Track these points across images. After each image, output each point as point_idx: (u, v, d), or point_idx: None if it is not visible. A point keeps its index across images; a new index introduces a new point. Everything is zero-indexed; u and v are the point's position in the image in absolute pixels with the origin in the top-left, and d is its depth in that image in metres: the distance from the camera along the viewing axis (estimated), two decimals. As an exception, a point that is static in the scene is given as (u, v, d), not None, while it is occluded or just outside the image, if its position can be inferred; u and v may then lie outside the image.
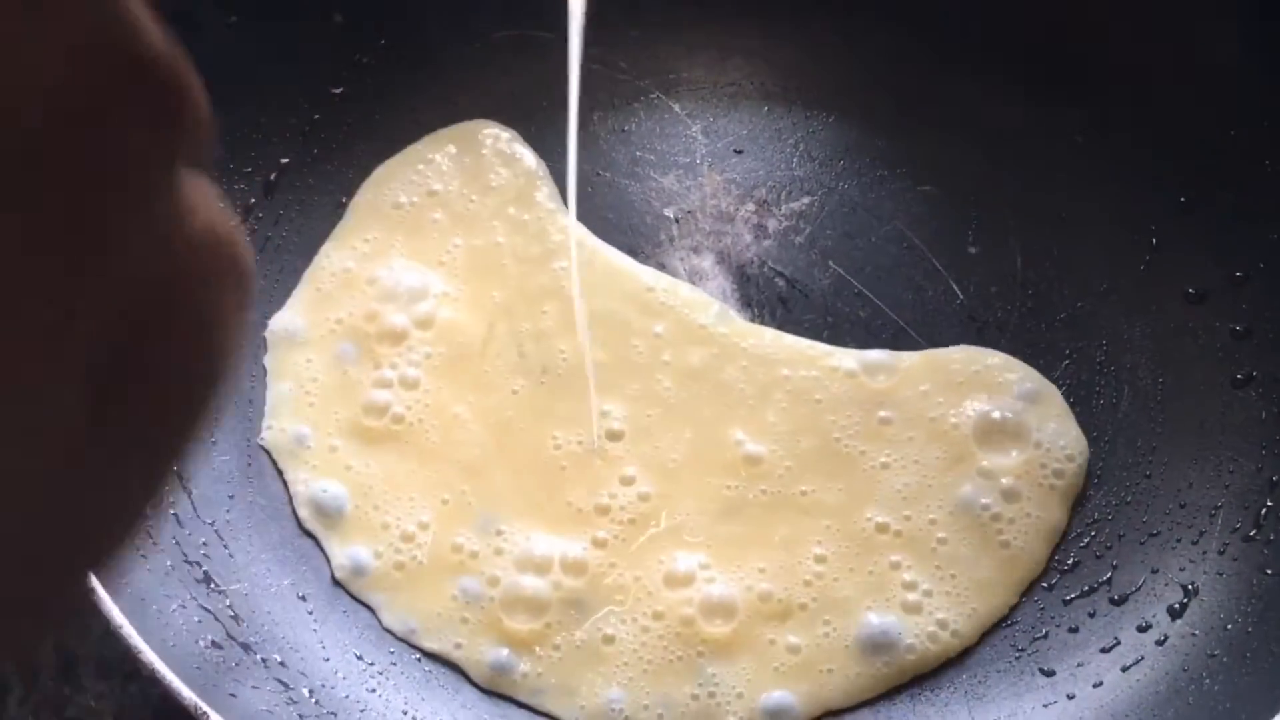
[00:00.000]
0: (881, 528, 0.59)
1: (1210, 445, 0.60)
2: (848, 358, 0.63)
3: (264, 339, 0.64)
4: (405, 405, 0.62)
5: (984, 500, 0.59)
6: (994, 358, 0.63)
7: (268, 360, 0.64)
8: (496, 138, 0.69)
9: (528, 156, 0.69)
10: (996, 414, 0.61)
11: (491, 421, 0.62)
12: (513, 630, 0.57)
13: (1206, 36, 0.64)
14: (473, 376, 0.63)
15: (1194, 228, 0.65)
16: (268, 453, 0.62)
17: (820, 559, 0.58)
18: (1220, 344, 0.62)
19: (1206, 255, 0.64)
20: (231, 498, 0.60)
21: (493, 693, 0.57)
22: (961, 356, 0.63)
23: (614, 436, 0.61)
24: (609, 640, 0.57)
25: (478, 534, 0.59)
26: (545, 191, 0.68)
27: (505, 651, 0.57)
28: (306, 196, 0.68)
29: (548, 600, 0.57)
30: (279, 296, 0.65)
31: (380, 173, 0.68)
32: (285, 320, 0.65)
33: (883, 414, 0.61)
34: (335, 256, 0.66)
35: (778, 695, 0.55)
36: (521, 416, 0.62)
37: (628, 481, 0.60)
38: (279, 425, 0.62)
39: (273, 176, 0.68)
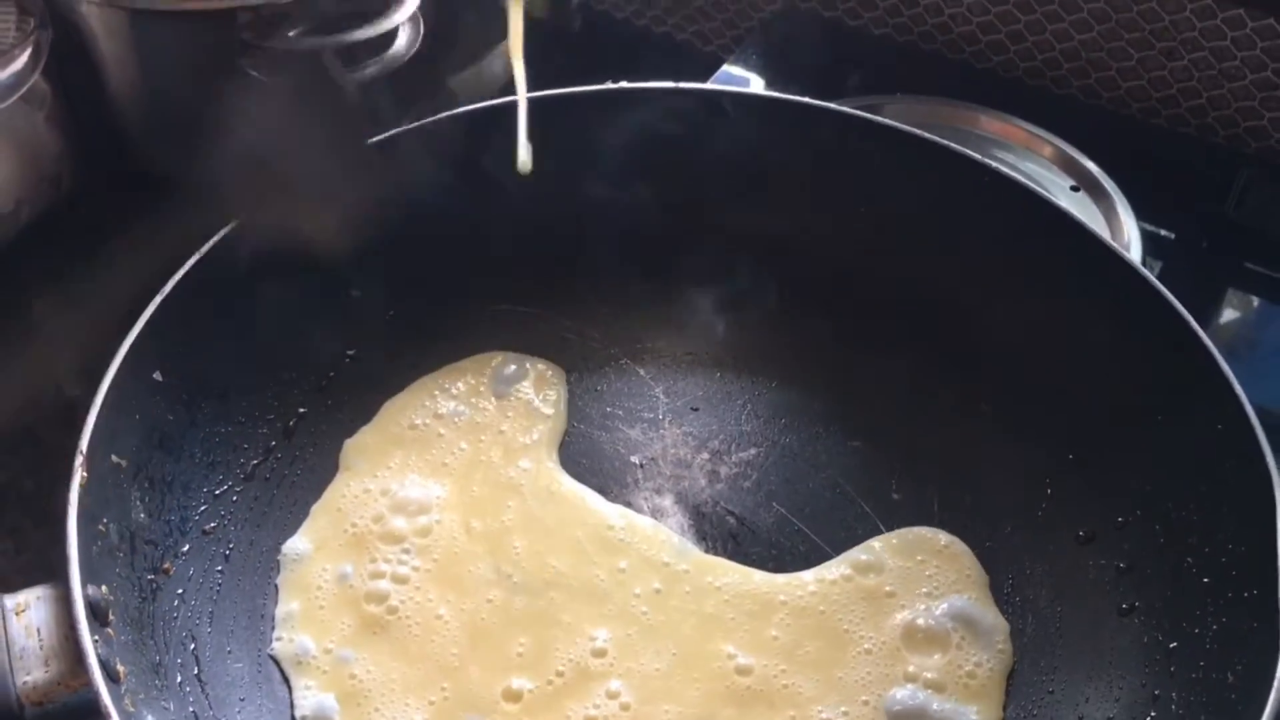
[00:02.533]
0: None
1: (1102, 665, 0.69)
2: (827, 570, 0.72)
3: (278, 561, 0.72)
4: (399, 599, 0.70)
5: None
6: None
7: (280, 580, 0.72)
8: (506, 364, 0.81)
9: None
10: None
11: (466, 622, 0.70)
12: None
13: (1080, 323, 0.76)
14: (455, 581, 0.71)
15: (1083, 480, 0.75)
16: (276, 662, 0.69)
17: None
18: (1107, 578, 0.71)
19: (1094, 503, 0.74)
20: (243, 699, 0.67)
21: None
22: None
23: (599, 654, 0.69)
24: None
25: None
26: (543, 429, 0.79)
27: None
28: (320, 440, 0.78)
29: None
30: (292, 525, 0.74)
31: (396, 402, 0.79)
32: (296, 545, 0.73)
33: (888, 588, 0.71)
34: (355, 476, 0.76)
35: None
36: (496, 622, 0.70)
37: (613, 695, 0.68)
38: (287, 636, 0.70)
39: (291, 423, 0.78)
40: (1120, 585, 0.71)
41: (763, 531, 0.75)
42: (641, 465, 0.77)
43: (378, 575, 0.72)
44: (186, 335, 0.69)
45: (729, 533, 0.75)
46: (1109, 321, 0.74)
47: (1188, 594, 0.67)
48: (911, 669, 0.69)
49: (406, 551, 0.73)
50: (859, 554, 0.74)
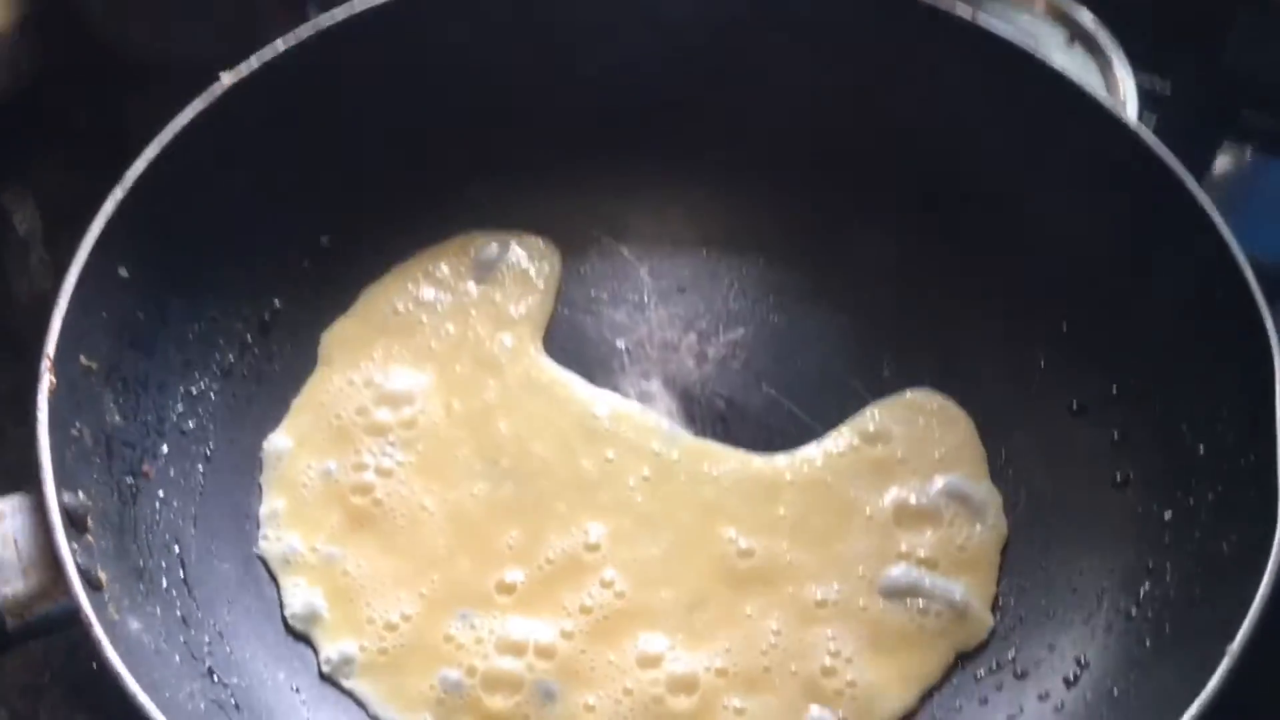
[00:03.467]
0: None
1: (1097, 537, 0.68)
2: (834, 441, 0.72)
3: (260, 459, 0.71)
4: (385, 492, 0.69)
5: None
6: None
7: (263, 478, 0.71)
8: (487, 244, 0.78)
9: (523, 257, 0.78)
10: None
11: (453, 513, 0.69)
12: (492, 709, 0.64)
13: (1074, 185, 0.74)
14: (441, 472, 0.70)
15: (1076, 350, 0.74)
16: (263, 561, 0.68)
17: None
18: (1101, 450, 0.70)
19: (1087, 373, 0.73)
20: (231, 602, 0.66)
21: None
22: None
23: (591, 548, 0.68)
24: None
25: (457, 621, 0.66)
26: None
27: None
28: (297, 334, 0.75)
29: (521, 679, 0.64)
30: (273, 422, 0.73)
31: (375, 289, 0.77)
32: (278, 442, 0.72)
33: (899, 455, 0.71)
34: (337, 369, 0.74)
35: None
36: (482, 513, 0.69)
37: (607, 584, 0.67)
38: (274, 535, 0.69)
39: (267, 317, 0.75)
40: (1114, 457, 0.70)
41: (752, 413, 0.74)
42: (627, 349, 0.76)
43: (361, 468, 0.71)
44: (152, 228, 0.66)
45: (718, 415, 0.74)
46: (1102, 182, 0.71)
47: (1183, 464, 0.66)
48: (904, 548, 0.68)
49: (391, 444, 0.72)
50: (864, 423, 0.73)
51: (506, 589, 0.67)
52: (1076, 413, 0.72)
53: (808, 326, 0.77)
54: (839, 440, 0.73)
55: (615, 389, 0.74)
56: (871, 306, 0.78)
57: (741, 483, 0.71)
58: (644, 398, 0.74)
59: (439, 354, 0.75)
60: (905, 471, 0.71)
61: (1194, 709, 0.54)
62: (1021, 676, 0.65)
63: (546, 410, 0.73)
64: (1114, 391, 0.71)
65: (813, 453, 0.72)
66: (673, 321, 0.77)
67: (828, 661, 0.65)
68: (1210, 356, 0.65)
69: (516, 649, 0.65)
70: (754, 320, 0.77)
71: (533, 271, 0.79)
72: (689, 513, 0.70)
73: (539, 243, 0.79)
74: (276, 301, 0.76)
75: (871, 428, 0.73)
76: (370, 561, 0.68)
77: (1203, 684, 0.54)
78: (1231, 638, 0.55)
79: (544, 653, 0.65)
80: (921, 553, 0.68)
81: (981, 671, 0.66)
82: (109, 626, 0.55)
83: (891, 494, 0.70)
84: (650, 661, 0.65)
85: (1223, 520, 0.62)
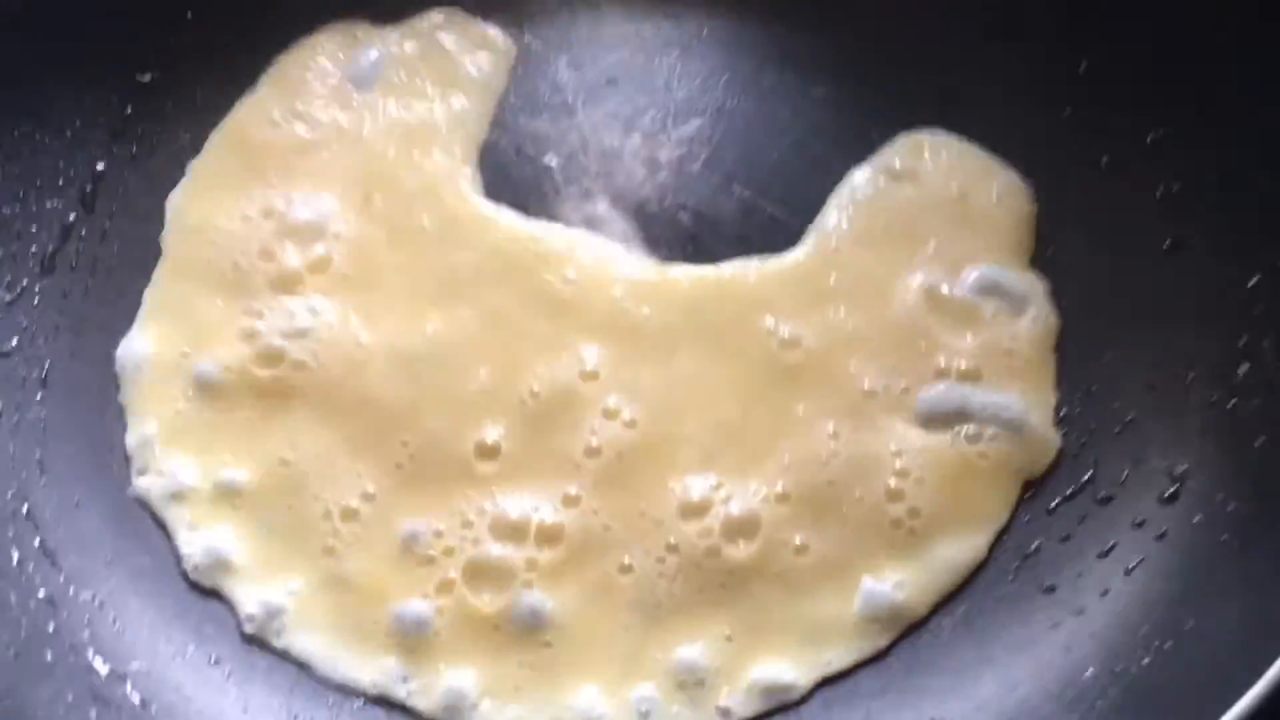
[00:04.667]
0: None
1: (1166, 317, 0.56)
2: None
3: (114, 374, 0.55)
4: (307, 351, 0.56)
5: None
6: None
7: (124, 398, 0.55)
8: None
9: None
10: None
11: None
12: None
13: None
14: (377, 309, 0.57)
15: (1104, 92, 0.61)
16: (143, 504, 0.54)
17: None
18: (1148, 210, 0.58)
19: (1120, 118, 0.60)
20: (109, 564, 0.53)
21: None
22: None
23: (588, 377, 0.56)
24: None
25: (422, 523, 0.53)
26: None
27: (463, 675, 0.51)
28: (132, 203, 0.60)
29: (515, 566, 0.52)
30: (122, 322, 0.57)
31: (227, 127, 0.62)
32: (134, 347, 0.56)
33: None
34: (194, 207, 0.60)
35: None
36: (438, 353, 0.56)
37: (612, 414, 0.55)
38: (152, 469, 0.54)
39: (89, 188, 0.60)
40: (1164, 217, 0.58)
41: (726, 223, 0.61)
42: (559, 167, 0.62)
43: (252, 336, 0.56)
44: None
45: (685, 234, 0.61)
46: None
47: (1251, 214, 0.55)
48: (942, 362, 0.56)
49: (296, 294, 0.57)
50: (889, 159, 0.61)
51: (488, 452, 0.54)
52: (1114, 169, 0.60)
53: (776, 105, 0.64)
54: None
55: (553, 219, 0.61)
56: (851, 65, 0.64)
57: (758, 275, 0.59)
58: (591, 224, 0.61)
59: (343, 179, 0.60)
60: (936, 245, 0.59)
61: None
62: (1105, 501, 0.55)
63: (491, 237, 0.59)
64: (1151, 139, 0.59)
65: (830, 222, 0.60)
66: (609, 123, 0.64)
67: (893, 483, 0.54)
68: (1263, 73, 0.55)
69: (515, 532, 0.53)
70: (708, 108, 0.64)
71: (449, 68, 0.64)
72: (710, 311, 0.57)
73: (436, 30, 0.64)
74: (99, 165, 0.60)
75: (898, 164, 0.61)
76: (311, 439, 0.55)
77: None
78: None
79: (548, 536, 0.53)
80: (962, 363, 0.56)
81: (1056, 501, 0.55)
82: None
83: (918, 278, 0.58)
84: (696, 510, 0.53)
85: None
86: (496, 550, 0.52)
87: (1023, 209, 0.60)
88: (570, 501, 0.53)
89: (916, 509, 0.54)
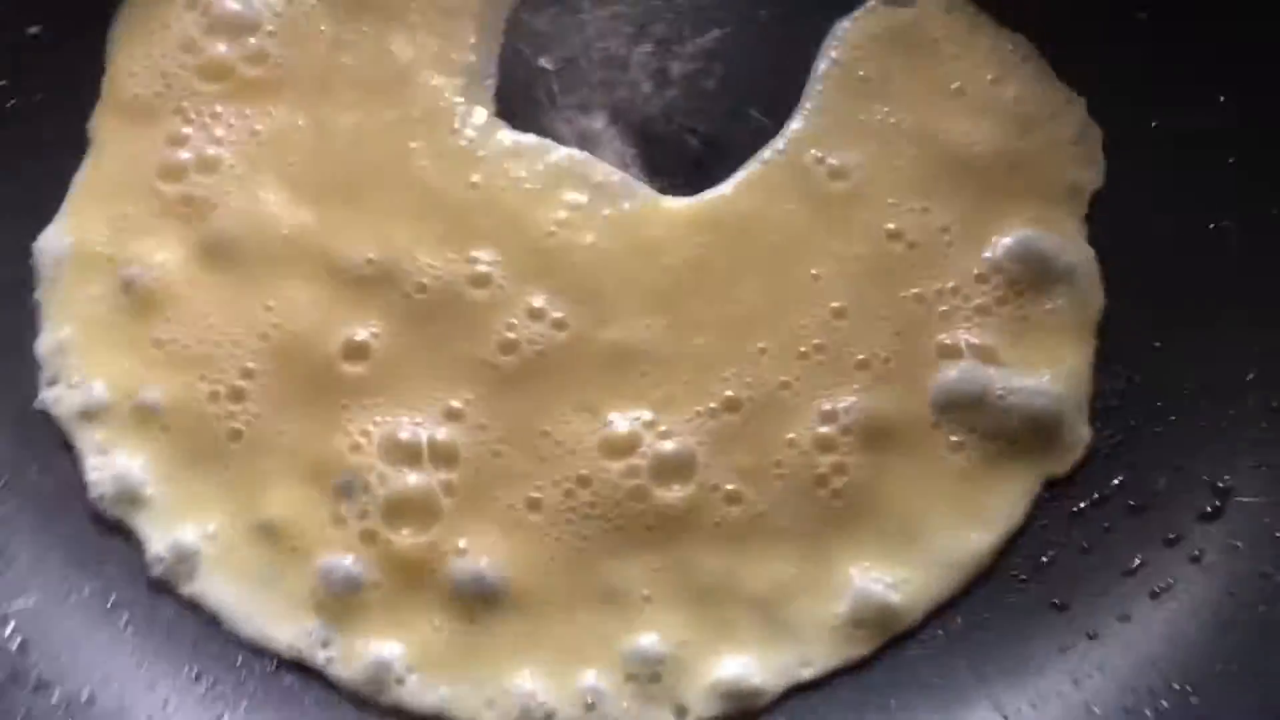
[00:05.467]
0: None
1: (1230, 303, 0.50)
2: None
3: (30, 267, 0.50)
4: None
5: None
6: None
7: (40, 294, 0.50)
8: None
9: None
10: None
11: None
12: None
13: None
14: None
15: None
16: (50, 419, 0.49)
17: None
18: (1209, 177, 0.52)
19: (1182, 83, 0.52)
20: (5, 485, 0.48)
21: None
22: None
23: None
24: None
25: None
26: None
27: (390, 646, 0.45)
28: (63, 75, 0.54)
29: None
30: (38, 214, 0.52)
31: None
32: (56, 241, 0.51)
33: None
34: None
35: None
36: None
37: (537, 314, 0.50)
38: (64, 379, 0.49)
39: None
40: (1236, 191, 0.51)
41: (738, 152, 0.55)
42: (556, 70, 0.56)
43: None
44: None
45: (691, 159, 0.55)
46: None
47: None
48: (960, 337, 0.49)
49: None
50: None
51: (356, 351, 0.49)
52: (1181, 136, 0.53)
53: (810, 23, 0.56)
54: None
55: (542, 131, 0.55)
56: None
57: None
58: (584, 140, 0.55)
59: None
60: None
61: None
62: (1136, 511, 0.49)
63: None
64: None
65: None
66: (617, 25, 0.58)
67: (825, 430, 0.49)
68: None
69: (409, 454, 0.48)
70: (731, 17, 0.58)
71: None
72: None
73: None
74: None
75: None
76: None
77: None
78: None
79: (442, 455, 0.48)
80: (982, 339, 0.49)
81: (1080, 505, 0.50)
82: None
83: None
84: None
85: None
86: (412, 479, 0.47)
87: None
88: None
89: (844, 465, 0.48)
